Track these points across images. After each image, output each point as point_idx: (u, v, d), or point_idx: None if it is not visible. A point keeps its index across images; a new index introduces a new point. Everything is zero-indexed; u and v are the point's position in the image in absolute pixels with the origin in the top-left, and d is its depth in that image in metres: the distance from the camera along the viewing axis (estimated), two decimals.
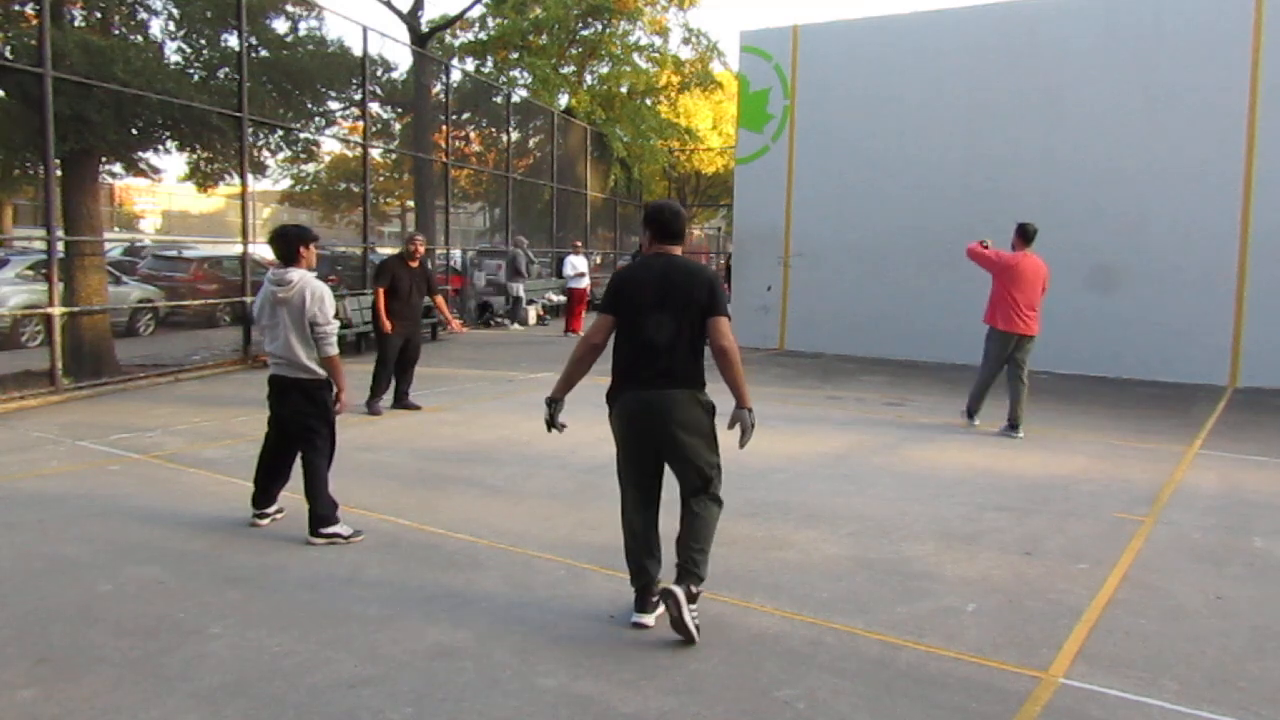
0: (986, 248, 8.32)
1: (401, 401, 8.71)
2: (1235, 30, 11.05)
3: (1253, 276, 11.07)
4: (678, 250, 3.85)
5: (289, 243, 4.90)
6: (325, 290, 4.90)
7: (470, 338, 15.68)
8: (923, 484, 6.23)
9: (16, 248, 16.30)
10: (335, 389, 4.99)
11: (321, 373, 4.91)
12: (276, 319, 4.87)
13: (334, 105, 16.84)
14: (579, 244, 18.17)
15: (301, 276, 4.85)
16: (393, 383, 8.74)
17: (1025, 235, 8.12)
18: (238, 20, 11.04)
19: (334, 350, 4.92)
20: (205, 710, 3.05)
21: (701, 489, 3.75)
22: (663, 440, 3.72)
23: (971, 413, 8.37)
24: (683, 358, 3.70)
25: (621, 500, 3.90)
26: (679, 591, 3.55)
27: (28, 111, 9.33)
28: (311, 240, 5.01)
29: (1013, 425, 7.99)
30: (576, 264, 16.93)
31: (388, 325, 8.41)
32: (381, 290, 8.45)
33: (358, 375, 9.93)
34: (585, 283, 17.04)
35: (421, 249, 8.78)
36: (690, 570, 3.64)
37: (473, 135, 26.98)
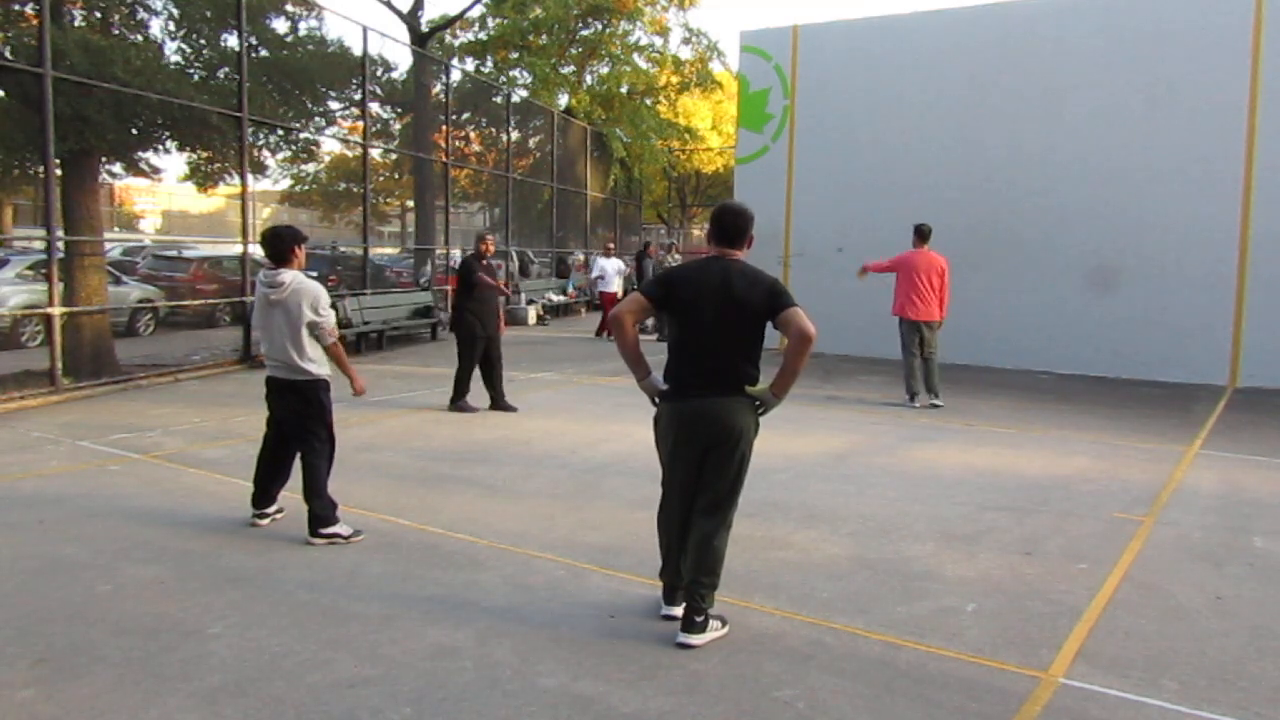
0: (868, 268, 9.61)
1: (497, 403, 8.75)
2: (1235, 30, 11.05)
3: (1253, 276, 11.07)
4: (739, 255, 3.74)
5: (283, 243, 4.89)
6: (318, 287, 4.90)
7: None
8: (923, 484, 6.23)
9: (16, 248, 16.30)
10: (348, 379, 5.12)
11: (317, 373, 4.90)
12: (270, 321, 4.87)
13: (334, 105, 16.86)
14: (611, 245, 17.76)
15: (294, 278, 4.84)
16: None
17: (919, 234, 9.30)
18: (238, 20, 11.04)
19: (333, 338, 4.95)
20: (205, 710, 3.05)
21: (723, 501, 3.69)
22: (711, 444, 3.65)
23: (912, 395, 9.24)
24: (739, 364, 3.64)
25: (662, 498, 3.86)
26: (687, 633, 3.62)
27: (28, 111, 9.33)
28: (303, 241, 5.01)
29: (931, 393, 9.23)
30: (606, 267, 16.50)
31: (495, 283, 8.69)
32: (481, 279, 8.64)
33: (367, 375, 9.90)
34: (615, 286, 16.50)
35: (492, 248, 9.04)
36: (695, 605, 3.62)
37: (473, 135, 27.00)
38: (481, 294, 8.66)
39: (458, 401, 8.65)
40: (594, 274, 17.12)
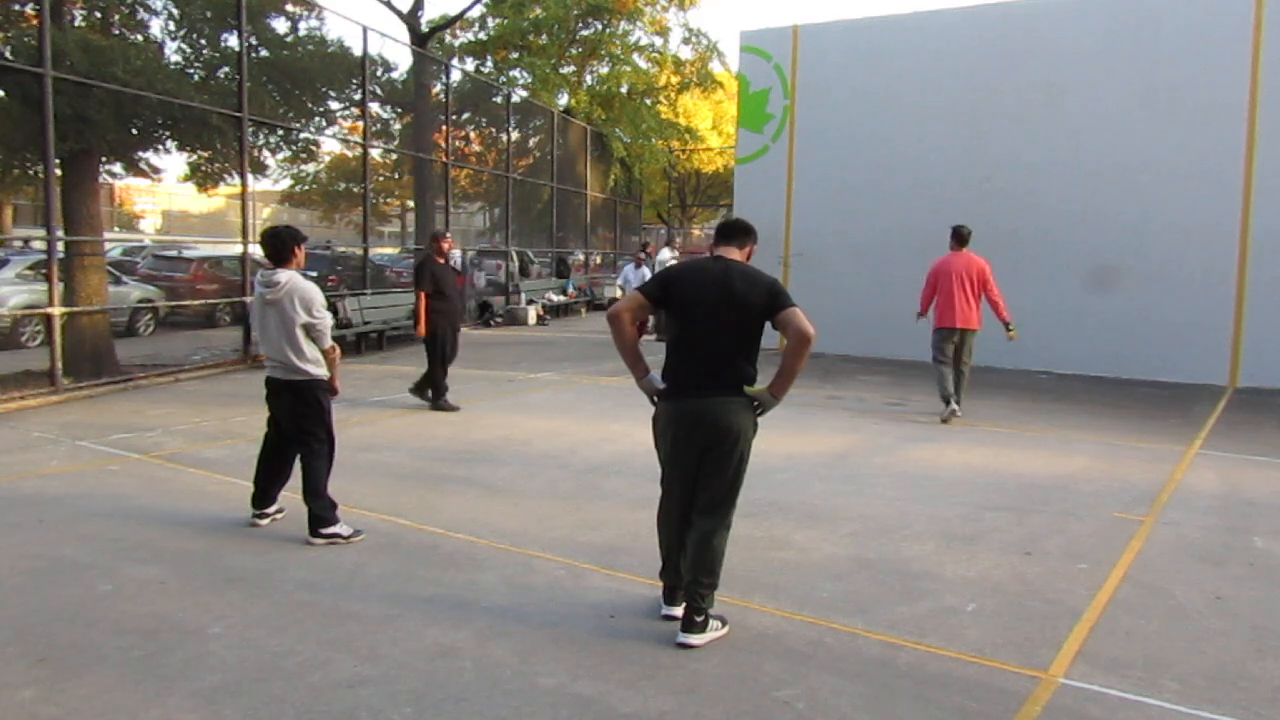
0: (923, 313, 8.99)
1: (420, 391, 8.81)
2: (1235, 30, 11.05)
3: (1253, 276, 11.06)
4: (736, 253, 3.78)
5: (283, 243, 4.89)
6: (313, 288, 4.90)
7: (470, 338, 15.68)
8: (923, 484, 6.23)
9: (16, 248, 16.29)
10: (329, 377, 5.03)
11: (315, 373, 4.89)
12: (266, 321, 4.87)
13: (334, 105, 16.85)
14: (643, 256, 16.27)
15: (290, 278, 4.84)
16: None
17: (958, 237, 8.73)
18: (238, 20, 11.04)
19: (329, 342, 4.95)
20: (205, 710, 3.05)
21: (722, 501, 3.70)
22: (709, 444, 3.65)
23: (946, 400, 8.64)
24: (738, 364, 3.64)
25: (662, 498, 3.87)
26: (687, 633, 3.62)
27: (28, 111, 9.33)
28: (303, 241, 5.01)
29: (945, 400, 8.62)
30: (631, 280, 15.59)
31: (423, 330, 8.54)
32: (424, 294, 8.54)
33: (367, 375, 9.99)
34: None
35: (448, 246, 8.98)
36: (695, 604, 3.62)
37: (473, 135, 27.00)
38: (447, 292, 8.66)
39: (438, 401, 8.63)
40: (618, 281, 16.70)
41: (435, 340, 8.60)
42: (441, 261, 8.76)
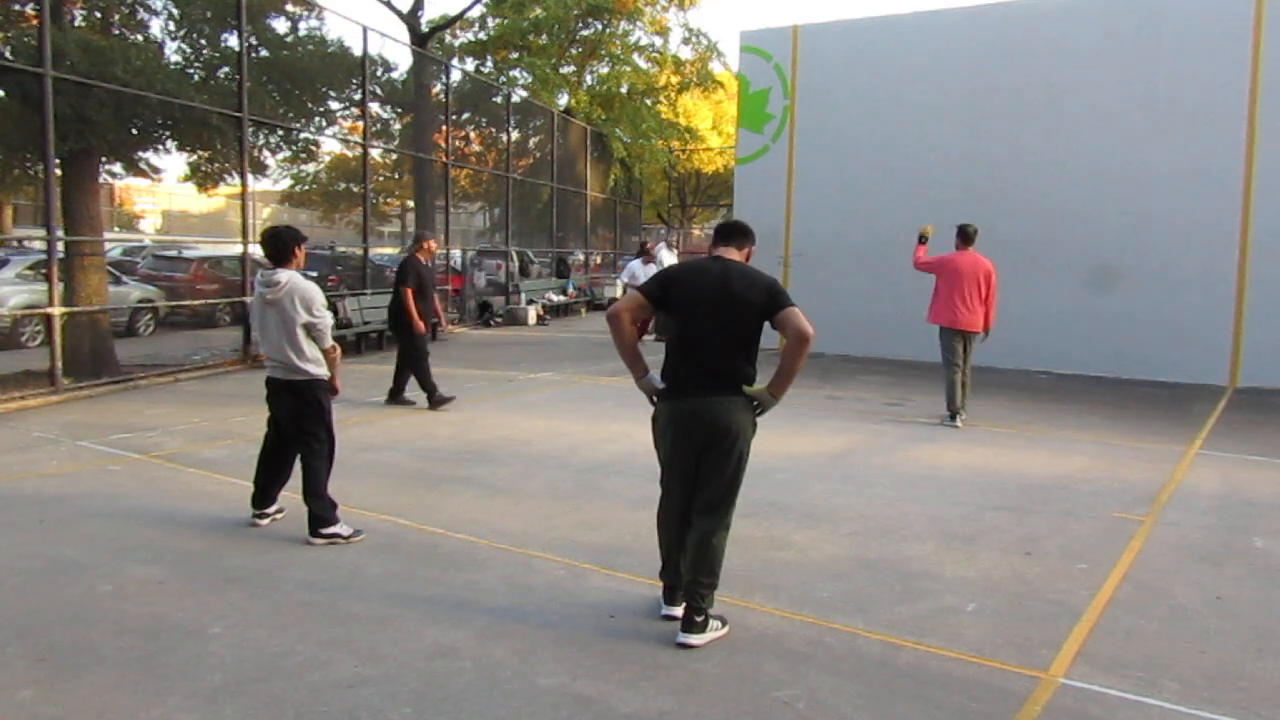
0: (925, 240, 8.75)
1: (397, 398, 8.84)
2: (1235, 30, 11.05)
3: (1253, 276, 11.06)
4: (735, 254, 3.80)
5: (283, 243, 4.89)
6: (313, 288, 4.90)
7: (470, 338, 15.68)
8: (923, 484, 6.23)
9: (15, 247, 16.29)
10: (329, 377, 5.01)
11: (315, 373, 4.89)
12: (266, 321, 4.87)
13: (334, 105, 16.85)
14: (649, 256, 15.21)
15: (290, 278, 4.84)
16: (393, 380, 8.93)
17: (964, 236, 8.46)
18: (238, 20, 11.04)
19: (329, 342, 4.95)
20: (205, 710, 3.05)
21: (721, 500, 3.70)
22: (709, 443, 3.65)
23: (954, 414, 8.33)
24: (737, 364, 3.64)
25: (661, 498, 3.87)
26: (687, 633, 3.63)
27: (28, 111, 9.33)
28: (303, 241, 5.01)
29: (951, 415, 8.38)
30: (638, 275, 14.92)
31: (421, 326, 8.57)
32: (409, 290, 8.55)
33: (367, 375, 10.00)
34: None
35: (434, 248, 9.06)
36: (694, 605, 3.62)
37: (473, 135, 26.98)
38: (428, 292, 8.74)
39: (434, 397, 8.62)
40: (623, 278, 16.52)
41: (422, 340, 8.62)
42: (424, 260, 8.84)
